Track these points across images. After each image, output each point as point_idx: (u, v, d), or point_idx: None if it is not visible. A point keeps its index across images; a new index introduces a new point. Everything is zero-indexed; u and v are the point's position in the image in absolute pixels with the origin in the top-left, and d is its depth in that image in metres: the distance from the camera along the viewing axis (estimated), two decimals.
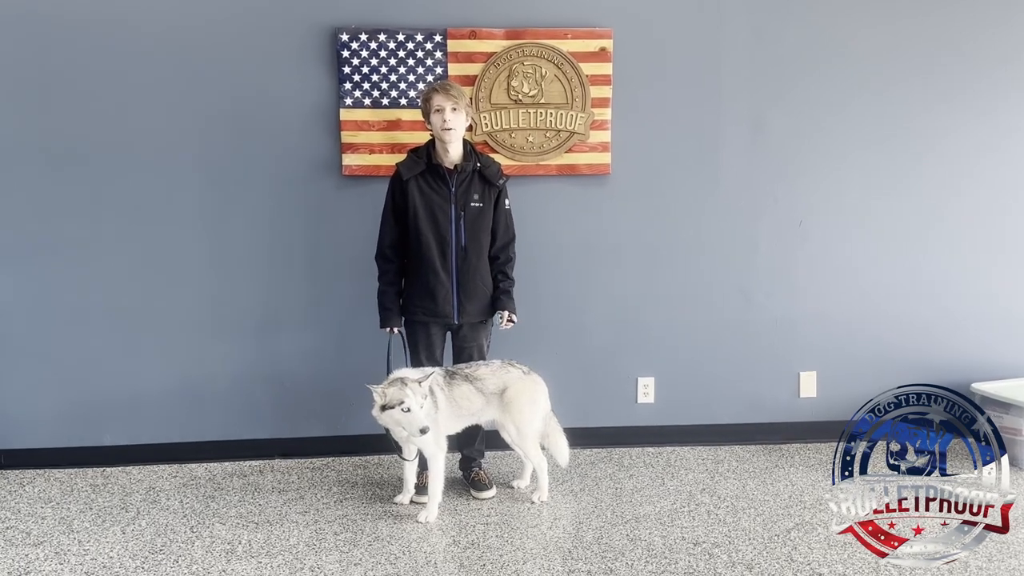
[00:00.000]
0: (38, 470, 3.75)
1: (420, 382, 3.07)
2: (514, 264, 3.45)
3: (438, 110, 3.21)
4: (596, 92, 3.76)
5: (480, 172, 3.31)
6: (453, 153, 3.28)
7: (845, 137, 3.93)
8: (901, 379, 3.85)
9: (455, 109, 3.21)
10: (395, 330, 3.35)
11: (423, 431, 3.02)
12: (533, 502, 3.35)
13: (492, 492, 3.43)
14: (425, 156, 3.29)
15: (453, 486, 3.49)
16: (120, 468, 3.78)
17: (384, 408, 3.06)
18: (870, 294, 4.03)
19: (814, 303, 4.01)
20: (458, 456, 3.59)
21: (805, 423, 4.06)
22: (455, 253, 3.30)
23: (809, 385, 4.06)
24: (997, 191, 4.02)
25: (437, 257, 3.28)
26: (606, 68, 3.76)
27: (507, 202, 3.40)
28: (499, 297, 3.40)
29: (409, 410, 3.01)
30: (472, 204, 3.30)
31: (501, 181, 3.37)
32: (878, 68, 3.90)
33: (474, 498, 3.41)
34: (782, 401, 4.07)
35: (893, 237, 4.01)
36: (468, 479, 3.51)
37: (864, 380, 3.94)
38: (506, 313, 3.37)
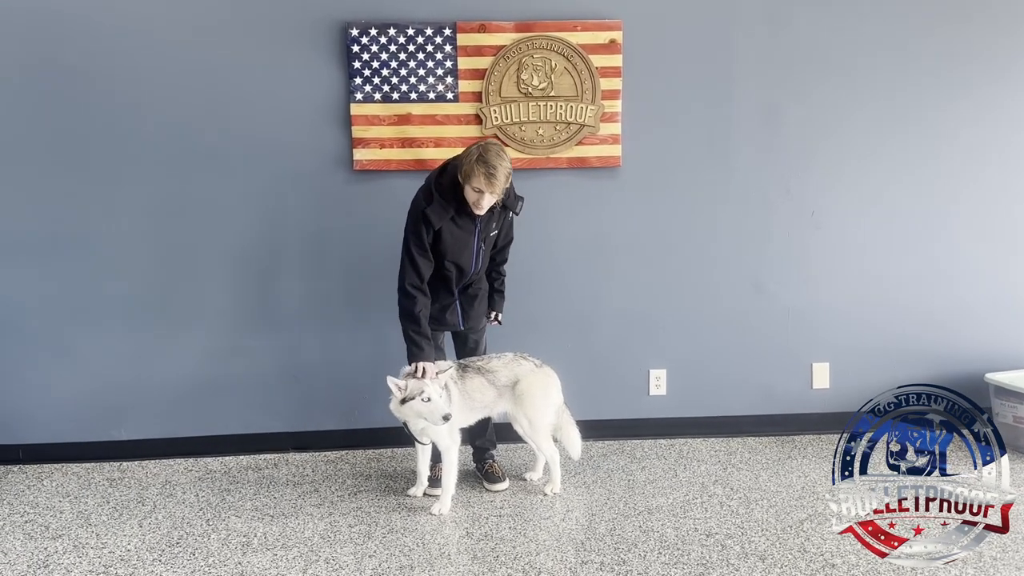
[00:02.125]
0: (56, 464, 3.79)
1: (437, 374, 3.12)
2: (508, 260, 3.51)
3: (477, 191, 3.06)
4: (606, 84, 3.76)
5: (502, 203, 3.26)
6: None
7: (858, 128, 3.90)
8: (914, 369, 3.92)
9: (493, 194, 3.09)
10: (430, 372, 3.13)
11: (446, 418, 3.05)
12: (546, 494, 3.36)
13: (505, 484, 3.45)
14: (453, 198, 3.15)
15: (466, 478, 3.51)
16: (136, 462, 3.81)
17: (404, 401, 3.09)
18: (883, 285, 4.01)
19: (827, 294, 4.00)
20: (471, 449, 3.60)
21: (818, 414, 4.05)
22: (468, 276, 3.34)
23: (822, 376, 4.05)
24: (1010, 182, 3.98)
25: (454, 281, 3.32)
26: (616, 60, 3.75)
27: (512, 215, 3.38)
28: (491, 296, 3.49)
29: (429, 399, 3.05)
30: (491, 234, 3.32)
31: (519, 207, 3.33)
32: (892, 59, 3.87)
33: (487, 490, 3.43)
34: (795, 392, 4.06)
35: (906, 227, 3.98)
36: (481, 471, 3.53)
37: (877, 371, 3.94)
38: (493, 313, 3.50)
